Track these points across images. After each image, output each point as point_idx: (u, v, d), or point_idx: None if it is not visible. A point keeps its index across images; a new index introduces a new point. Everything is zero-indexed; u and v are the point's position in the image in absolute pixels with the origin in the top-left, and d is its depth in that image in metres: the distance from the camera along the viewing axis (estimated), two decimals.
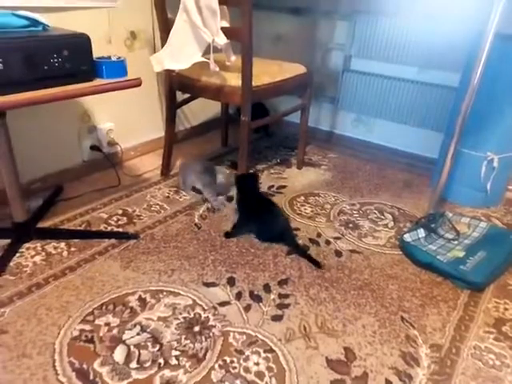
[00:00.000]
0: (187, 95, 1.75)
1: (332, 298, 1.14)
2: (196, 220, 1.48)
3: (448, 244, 1.33)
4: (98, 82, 1.16)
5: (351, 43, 2.02)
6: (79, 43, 1.12)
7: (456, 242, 1.34)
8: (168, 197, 1.63)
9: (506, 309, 1.14)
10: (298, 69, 1.71)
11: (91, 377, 0.89)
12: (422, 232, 1.35)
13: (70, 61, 1.10)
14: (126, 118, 1.85)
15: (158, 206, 1.56)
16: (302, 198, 1.67)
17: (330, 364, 0.94)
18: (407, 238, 1.33)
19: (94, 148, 1.74)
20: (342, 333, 1.03)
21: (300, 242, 1.37)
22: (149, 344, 0.97)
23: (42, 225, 1.39)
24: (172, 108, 1.71)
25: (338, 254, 1.33)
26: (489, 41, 1.24)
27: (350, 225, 1.49)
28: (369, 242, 1.40)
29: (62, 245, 1.30)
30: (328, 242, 1.39)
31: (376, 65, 1.98)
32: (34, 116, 1.50)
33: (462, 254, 1.27)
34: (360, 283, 1.20)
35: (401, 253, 1.34)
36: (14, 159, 1.21)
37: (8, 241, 1.28)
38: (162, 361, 0.93)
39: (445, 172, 1.45)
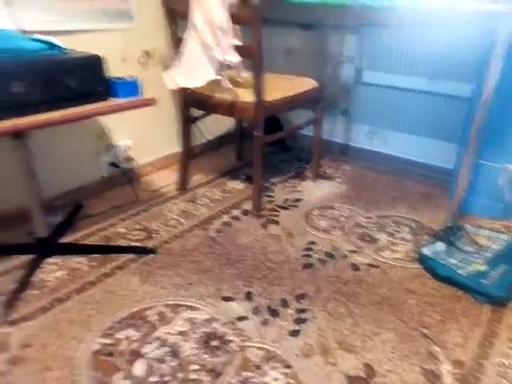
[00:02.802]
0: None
1: (350, 313, 1.13)
2: (212, 234, 1.50)
3: (468, 257, 1.31)
4: (112, 101, 1.19)
5: (361, 56, 2.04)
6: (92, 64, 1.15)
7: (476, 256, 1.32)
8: (184, 211, 1.65)
9: None
10: (308, 83, 1.73)
11: None
12: (440, 245, 1.33)
13: (84, 82, 1.13)
14: (142, 135, 1.89)
15: (174, 221, 1.58)
16: (317, 211, 1.67)
17: (350, 381, 0.93)
18: (426, 251, 1.31)
19: (112, 165, 1.78)
20: (360, 349, 1.02)
21: (316, 256, 1.38)
22: (168, 358, 0.98)
23: (63, 240, 1.42)
24: (187, 124, 1.75)
25: (355, 267, 1.32)
26: (502, 51, 1.24)
27: (367, 238, 1.49)
28: (386, 256, 1.39)
29: (83, 260, 1.33)
30: (344, 256, 1.38)
31: (387, 76, 1.99)
32: (54, 134, 1.55)
33: (483, 268, 1.24)
34: (378, 298, 1.19)
35: (420, 266, 1.33)
36: (35, 177, 1.25)
37: (31, 256, 1.31)
38: (181, 375, 0.94)
39: (461, 184, 1.44)
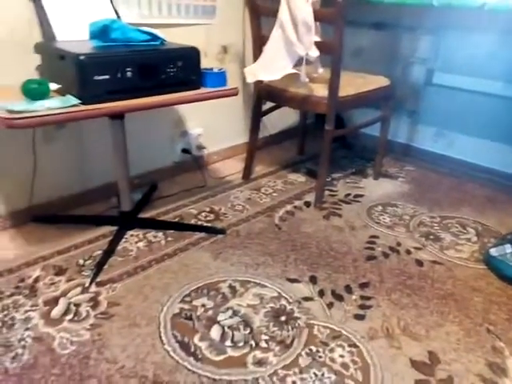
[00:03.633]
0: (270, 105, 1.86)
1: (414, 305, 1.16)
2: (276, 221, 1.57)
3: None
4: (203, 90, 1.30)
5: (435, 57, 2.02)
6: (191, 55, 1.27)
7: None
8: (249, 198, 1.74)
9: None
10: (380, 81, 1.75)
11: (192, 349, 0.99)
12: (509, 247, 1.32)
13: (182, 71, 1.24)
14: (213, 125, 2.00)
15: (240, 206, 1.67)
16: (380, 207, 1.70)
17: (414, 364, 0.97)
18: (493, 252, 1.31)
19: (184, 151, 1.91)
20: (425, 337, 1.05)
21: (379, 249, 1.41)
22: (241, 327, 1.06)
23: (142, 216, 1.56)
24: (257, 117, 1.83)
25: (419, 263, 1.34)
26: None
27: (431, 236, 1.50)
28: (451, 255, 1.39)
29: (160, 234, 1.45)
30: (408, 252, 1.40)
31: (460, 79, 1.97)
32: (136, 118, 1.68)
33: None
34: (443, 293, 1.21)
35: (485, 267, 1.33)
36: (127, 155, 1.39)
37: (115, 227, 1.45)
38: (253, 343, 1.02)
39: None
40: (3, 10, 1.25)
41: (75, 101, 1.06)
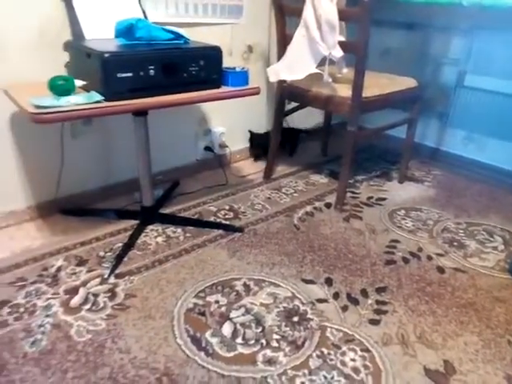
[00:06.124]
0: (293, 105, 1.85)
1: (432, 312, 1.12)
2: (295, 221, 1.56)
3: None
4: (224, 89, 1.31)
5: (467, 59, 1.96)
6: (213, 55, 1.28)
7: None
8: (269, 198, 1.74)
9: None
10: (407, 82, 1.71)
11: (203, 344, 1.00)
12: None
13: (204, 69, 1.26)
14: (236, 124, 2.01)
15: (260, 206, 1.67)
16: (403, 211, 1.66)
17: (428, 373, 0.94)
18: None
19: (207, 149, 1.93)
20: (441, 346, 1.01)
21: (400, 254, 1.38)
22: (252, 325, 1.06)
23: (163, 211, 1.58)
24: (280, 116, 1.83)
25: (441, 270, 1.30)
26: None
27: (455, 243, 1.45)
28: (475, 263, 1.34)
29: (179, 230, 1.47)
30: (430, 258, 1.36)
31: (493, 81, 1.89)
32: (161, 116, 1.72)
33: None
34: (463, 302, 1.17)
35: (511, 277, 1.27)
36: (149, 152, 1.42)
37: (136, 222, 1.48)
38: (264, 341, 1.02)
39: None
40: (36, 10, 1.30)
41: (99, 97, 1.10)
